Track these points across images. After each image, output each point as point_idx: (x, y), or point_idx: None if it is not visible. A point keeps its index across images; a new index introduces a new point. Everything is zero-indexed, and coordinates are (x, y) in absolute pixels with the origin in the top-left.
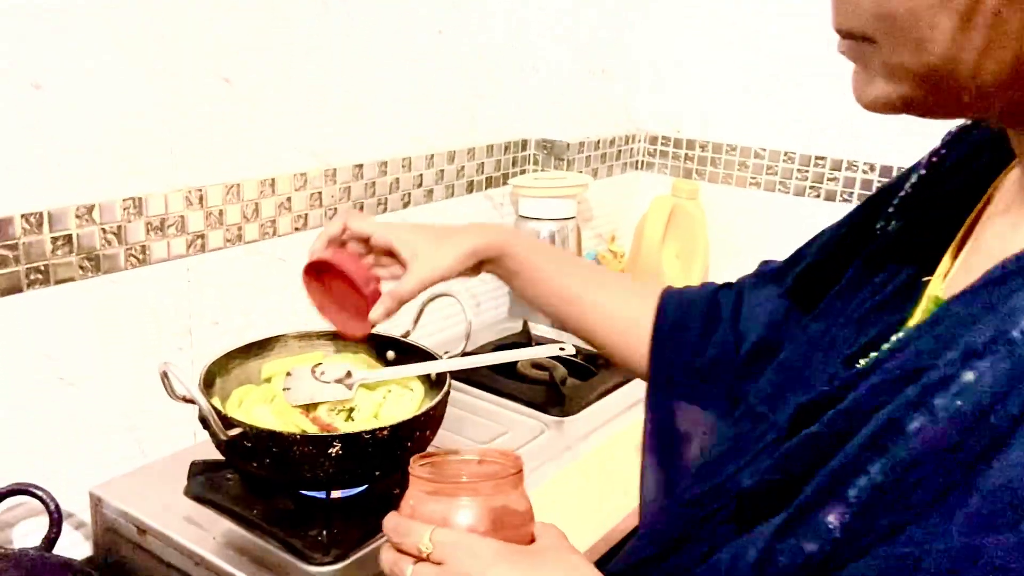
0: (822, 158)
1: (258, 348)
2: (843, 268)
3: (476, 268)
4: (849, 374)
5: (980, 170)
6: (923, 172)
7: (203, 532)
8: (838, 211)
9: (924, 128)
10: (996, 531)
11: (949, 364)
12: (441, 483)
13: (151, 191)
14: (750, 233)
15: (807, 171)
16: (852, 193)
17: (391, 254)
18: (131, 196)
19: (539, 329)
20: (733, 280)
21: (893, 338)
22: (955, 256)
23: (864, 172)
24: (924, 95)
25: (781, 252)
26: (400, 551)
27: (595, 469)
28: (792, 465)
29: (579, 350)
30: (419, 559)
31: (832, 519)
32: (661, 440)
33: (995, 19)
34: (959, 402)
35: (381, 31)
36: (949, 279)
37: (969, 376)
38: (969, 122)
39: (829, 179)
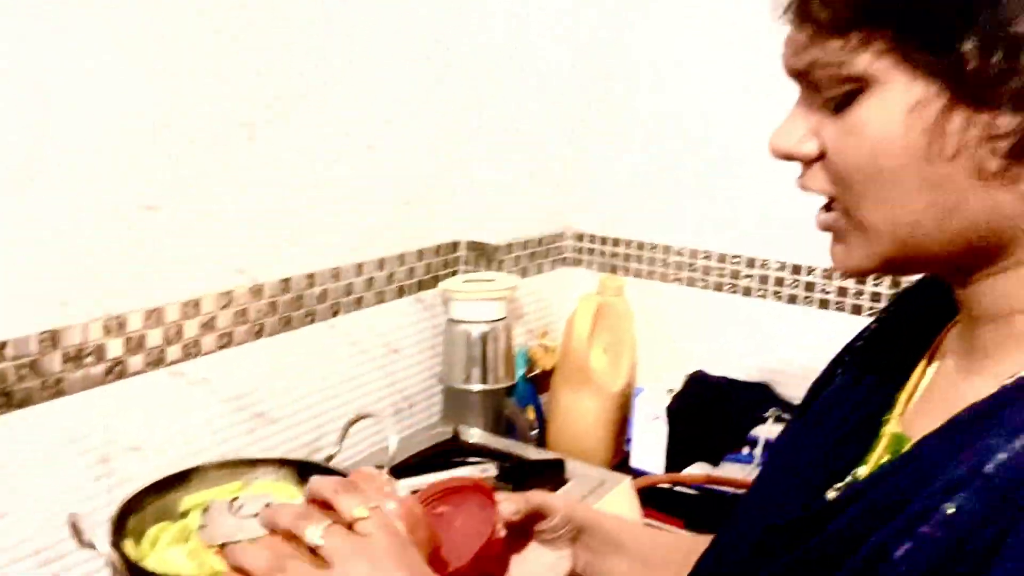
0: (737, 256)
1: (175, 481)
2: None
3: (573, 548)
4: (826, 503)
5: (926, 323)
6: (874, 326)
7: None
8: (754, 305)
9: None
10: None
11: (930, 497)
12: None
13: (69, 323)
14: (674, 327)
15: (724, 268)
16: (765, 289)
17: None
18: (47, 329)
19: (472, 435)
20: None
21: (863, 470)
22: (908, 398)
23: (776, 269)
24: (891, 253)
25: (704, 345)
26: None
27: None
28: None
29: (506, 462)
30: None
31: None
32: None
33: (960, 192)
34: (942, 532)
35: (309, 151)
36: (906, 419)
37: (950, 508)
38: (916, 280)
39: (745, 275)
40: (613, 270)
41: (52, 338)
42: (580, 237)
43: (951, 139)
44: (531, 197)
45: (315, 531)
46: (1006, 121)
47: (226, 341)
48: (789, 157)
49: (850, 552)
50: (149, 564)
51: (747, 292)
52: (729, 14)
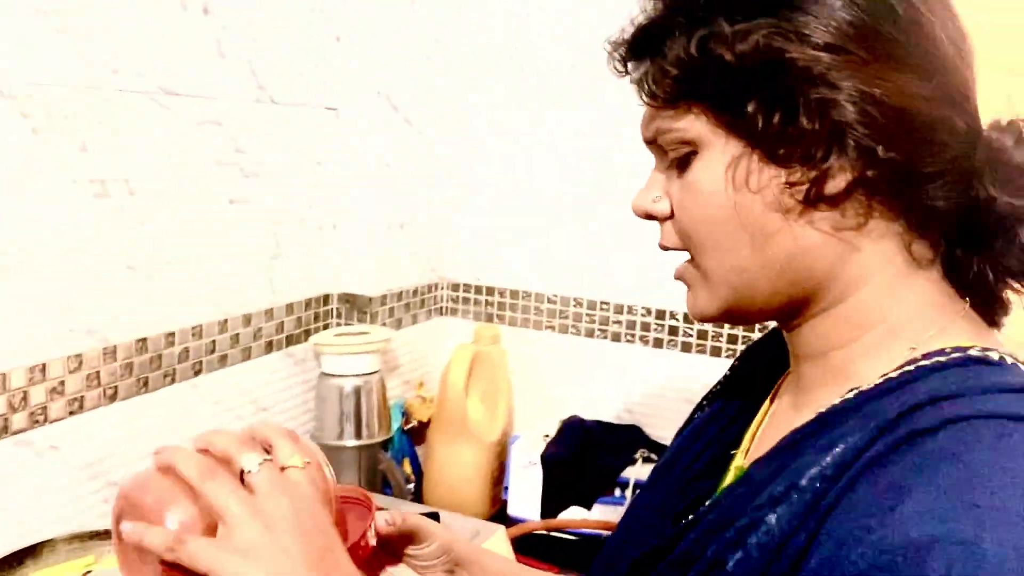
0: (606, 303)
1: (23, 556)
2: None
3: (450, 570)
4: (676, 529)
5: (770, 370)
6: (728, 374)
7: None
8: (623, 350)
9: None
10: None
11: (755, 510)
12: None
13: None
14: (549, 373)
15: (594, 314)
16: (634, 335)
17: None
18: None
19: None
20: None
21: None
22: (752, 436)
23: (643, 315)
24: (732, 299)
25: (578, 390)
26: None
27: None
28: None
29: None
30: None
31: None
32: None
33: (775, 238)
34: (766, 539)
35: (165, 206)
36: (750, 454)
37: (772, 518)
38: (764, 333)
39: (614, 321)
40: (489, 319)
41: None
42: (456, 287)
43: (760, 190)
44: (404, 249)
45: (253, 459)
46: (799, 174)
47: (77, 407)
48: (648, 216)
49: (692, 568)
50: None
51: (616, 338)
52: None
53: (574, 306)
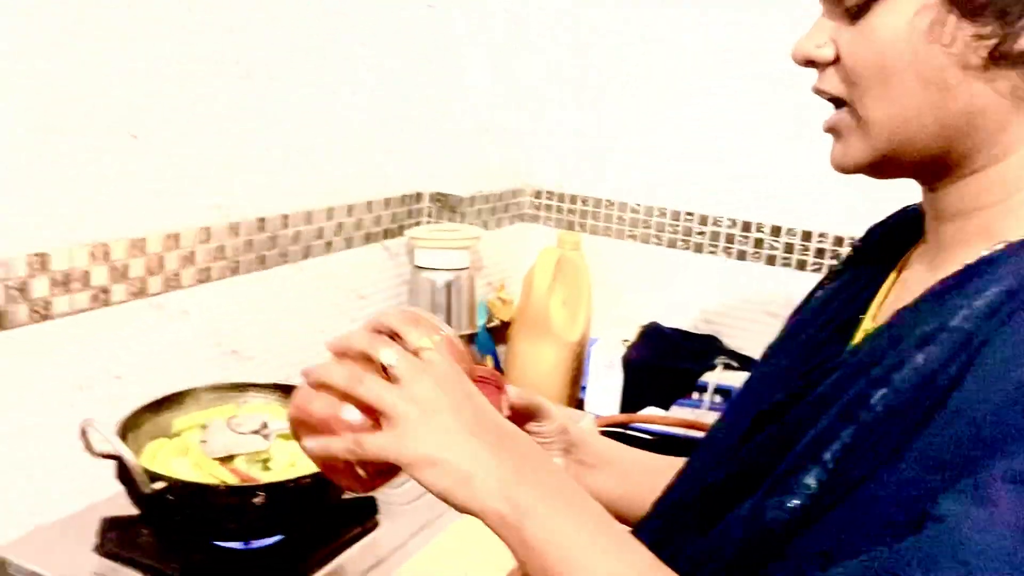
0: (690, 213)
1: (169, 402)
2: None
3: (565, 457)
4: (809, 378)
5: (894, 247)
6: (850, 253)
7: None
8: (705, 261)
9: (776, 191)
10: (938, 470)
11: (904, 351)
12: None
13: (55, 246)
14: (629, 281)
15: (677, 225)
16: (717, 246)
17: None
18: (36, 252)
19: None
20: None
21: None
22: (881, 302)
23: (728, 227)
24: (884, 149)
25: (657, 298)
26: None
27: None
28: (758, 456)
29: None
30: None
31: (810, 480)
32: None
33: (949, 90)
34: (914, 375)
35: (281, 93)
36: (879, 318)
37: (920, 358)
38: (878, 222)
39: (697, 232)
40: (570, 226)
41: (40, 260)
42: (538, 194)
43: (945, 41)
44: (491, 152)
45: (389, 353)
46: (989, 29)
47: (204, 276)
48: (808, 60)
49: (829, 407)
50: (160, 471)
51: (699, 248)
52: None
53: (657, 216)
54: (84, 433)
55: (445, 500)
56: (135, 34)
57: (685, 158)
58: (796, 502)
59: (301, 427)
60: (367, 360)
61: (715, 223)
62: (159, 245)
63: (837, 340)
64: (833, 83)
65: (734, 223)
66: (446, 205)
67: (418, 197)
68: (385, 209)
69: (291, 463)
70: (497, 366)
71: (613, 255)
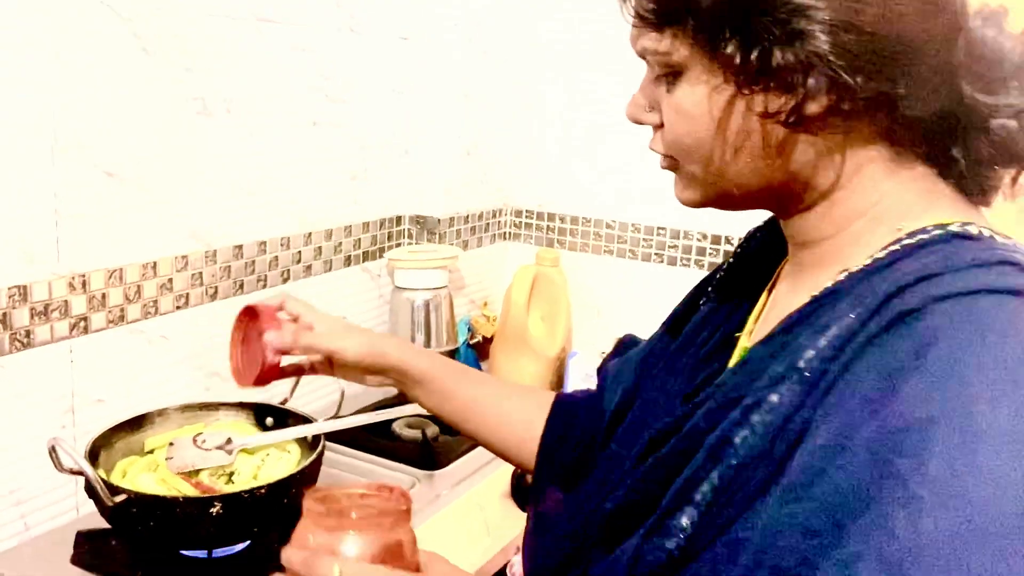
0: (663, 228)
1: (141, 422)
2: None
3: (373, 373)
4: (686, 407)
5: (773, 254)
6: (731, 261)
7: None
8: (678, 274)
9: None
10: (798, 501)
11: (758, 391)
12: (340, 519)
13: (36, 278)
14: (606, 295)
15: (651, 239)
16: (689, 259)
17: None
18: (16, 284)
19: None
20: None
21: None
22: (756, 318)
23: (698, 240)
24: (714, 195)
25: (633, 311)
26: None
27: (464, 515)
28: (647, 485)
29: None
30: None
31: (684, 520)
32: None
33: (756, 153)
34: (769, 417)
35: (258, 125)
36: (753, 334)
37: (774, 398)
38: (759, 225)
39: (670, 247)
40: (549, 244)
41: (21, 292)
42: (519, 213)
43: (741, 116)
44: (471, 175)
45: None
46: (781, 101)
47: (183, 302)
48: (640, 123)
49: (699, 445)
50: (125, 486)
51: (672, 262)
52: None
53: (632, 231)
54: (53, 451)
55: None
56: (102, 80)
57: (657, 175)
58: (672, 544)
59: None
60: None
61: (687, 236)
62: (137, 274)
63: (717, 358)
64: (660, 144)
65: (704, 236)
66: (425, 227)
67: (398, 220)
68: (365, 233)
69: (253, 476)
70: None
71: (591, 271)
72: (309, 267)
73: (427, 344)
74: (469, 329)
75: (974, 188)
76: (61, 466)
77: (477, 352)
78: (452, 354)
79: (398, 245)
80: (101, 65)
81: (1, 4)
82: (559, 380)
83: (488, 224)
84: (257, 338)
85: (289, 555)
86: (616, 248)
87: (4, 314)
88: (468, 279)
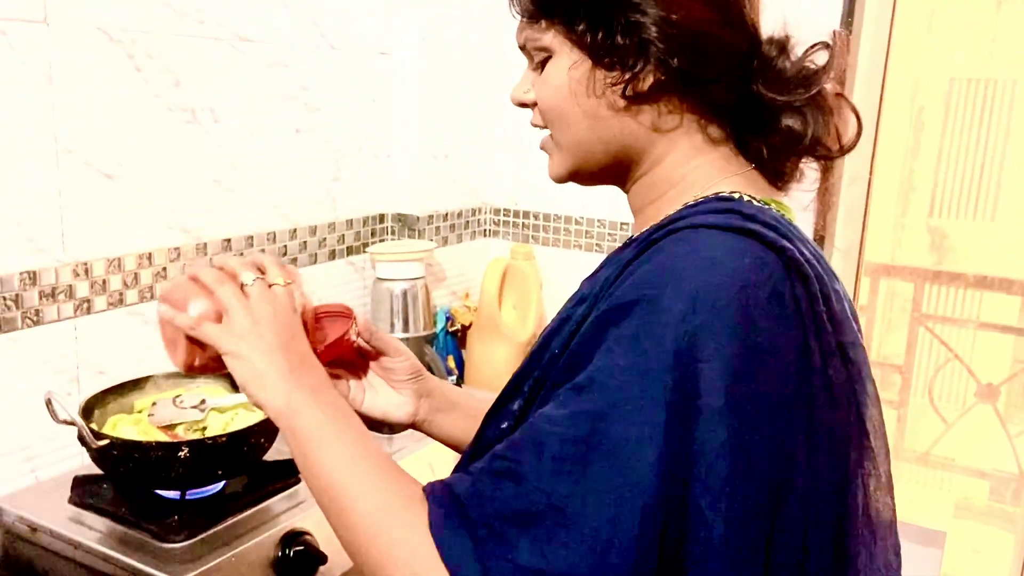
0: (626, 223)
1: (132, 385)
2: None
3: (417, 390)
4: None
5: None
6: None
7: (82, 527)
8: None
9: None
10: (563, 372)
11: (571, 308)
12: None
13: (44, 265)
14: (575, 286)
15: (616, 234)
16: None
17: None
18: (26, 269)
19: None
20: None
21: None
22: None
23: None
24: (574, 168)
25: None
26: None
27: (415, 473)
28: (505, 392)
29: None
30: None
31: (515, 406)
32: None
33: (606, 121)
34: (571, 326)
35: (243, 132)
36: None
37: (578, 312)
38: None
39: None
40: (525, 240)
41: (31, 277)
42: (497, 211)
43: (592, 87)
44: (449, 176)
45: (250, 276)
46: (616, 75)
47: None
48: (521, 104)
49: (535, 358)
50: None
51: None
52: None
53: (598, 227)
54: (49, 403)
55: (243, 390)
56: (100, 94)
57: None
58: (505, 424)
59: (163, 301)
60: (233, 277)
61: None
62: (134, 263)
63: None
64: (537, 119)
65: None
66: (406, 224)
67: (382, 218)
68: (349, 229)
69: (223, 430)
70: (459, 365)
71: (562, 264)
72: (295, 259)
73: (405, 329)
74: (448, 318)
75: (775, 175)
76: (56, 417)
77: (456, 339)
78: (430, 339)
79: (381, 241)
80: (97, 79)
81: (7, 32)
82: None
83: (468, 222)
84: (332, 327)
85: (199, 270)
86: (584, 243)
87: (16, 295)
88: (449, 272)
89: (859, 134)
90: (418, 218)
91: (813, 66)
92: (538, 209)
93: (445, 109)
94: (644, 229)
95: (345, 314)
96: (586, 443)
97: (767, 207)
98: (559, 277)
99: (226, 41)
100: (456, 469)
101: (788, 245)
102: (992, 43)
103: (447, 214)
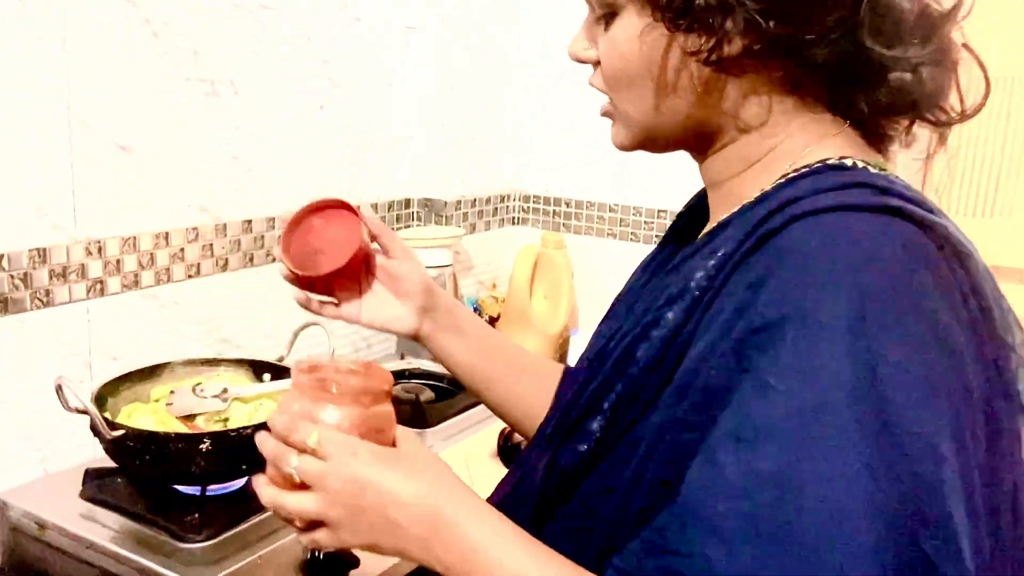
0: (663, 211)
1: (148, 373)
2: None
3: (426, 304)
4: (611, 332)
5: (696, 224)
6: (664, 236)
7: (95, 524)
8: None
9: None
10: (680, 401)
11: (657, 309)
12: (323, 390)
13: (55, 242)
14: (610, 276)
15: (652, 223)
16: None
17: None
18: (36, 247)
19: (418, 363)
20: None
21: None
22: None
23: None
24: (643, 136)
25: None
26: (287, 443)
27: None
28: (570, 406)
29: (442, 382)
30: (303, 452)
31: (595, 425)
32: None
33: (681, 91)
34: (664, 331)
35: (266, 107)
36: None
37: (669, 314)
38: (688, 202)
39: None
40: (556, 228)
41: (41, 254)
42: (527, 198)
43: (668, 53)
44: (476, 160)
45: (290, 461)
46: (701, 41)
47: (195, 271)
48: (580, 60)
49: (608, 360)
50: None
51: None
52: None
53: (633, 215)
54: (59, 390)
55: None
56: (115, 60)
57: (656, 160)
58: (583, 447)
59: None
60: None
61: None
62: (150, 243)
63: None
64: (598, 81)
65: None
66: (432, 209)
67: (407, 203)
68: (374, 214)
69: (247, 422)
70: None
71: (595, 253)
72: None
73: None
74: (476, 308)
75: (874, 135)
76: (67, 404)
77: None
78: None
79: (407, 226)
80: (113, 46)
81: None
82: (562, 357)
83: (496, 208)
84: (337, 226)
85: (273, 419)
86: (619, 231)
87: (25, 274)
88: (476, 260)
89: (986, 96)
90: (445, 203)
91: (937, 9)
92: (570, 196)
93: (472, 87)
94: (731, 207)
95: (348, 209)
96: (777, 514)
97: (892, 176)
98: (592, 266)
99: (247, 8)
100: (520, 469)
101: (939, 220)
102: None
103: (475, 200)
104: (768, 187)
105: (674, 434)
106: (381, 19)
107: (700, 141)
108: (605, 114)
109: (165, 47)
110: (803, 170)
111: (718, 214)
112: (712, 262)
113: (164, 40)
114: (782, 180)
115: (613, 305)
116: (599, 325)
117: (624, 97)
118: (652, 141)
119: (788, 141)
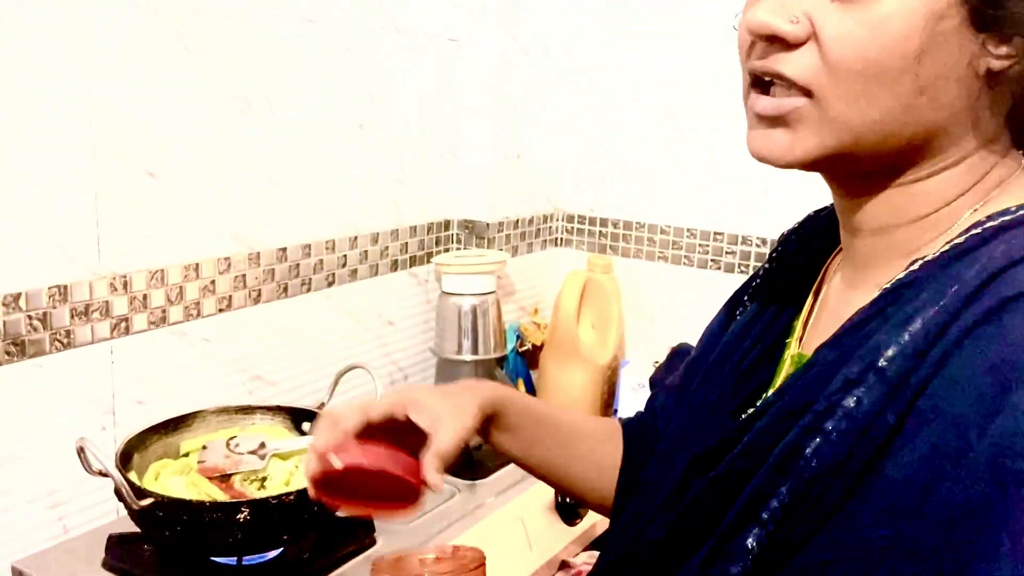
0: (720, 233)
1: (177, 424)
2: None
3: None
4: (740, 421)
5: (813, 255)
6: (768, 265)
7: None
8: (737, 281)
9: (806, 207)
10: (900, 519)
11: (831, 395)
12: None
13: (77, 279)
14: (661, 303)
15: (707, 245)
16: (748, 264)
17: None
18: (57, 284)
19: None
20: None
21: (769, 392)
22: (805, 322)
23: (756, 245)
24: (835, 146)
25: (688, 320)
26: None
27: (506, 527)
28: (700, 508)
29: None
30: None
31: (751, 542)
32: None
33: (934, 101)
34: (846, 423)
35: (302, 125)
36: (805, 341)
37: (850, 401)
38: (792, 227)
39: (727, 252)
40: (602, 250)
41: (62, 292)
42: (570, 218)
43: (954, 52)
44: (520, 179)
45: None
46: (992, 46)
47: (226, 304)
48: (769, 34)
49: (763, 459)
50: (156, 489)
51: (730, 268)
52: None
53: (687, 236)
54: (81, 451)
55: None
56: (143, 78)
57: (713, 177)
58: (737, 568)
59: None
60: None
61: (745, 242)
62: (179, 276)
63: (764, 368)
64: (801, 67)
65: (764, 242)
66: (474, 232)
67: (447, 225)
68: (412, 237)
69: (286, 482)
70: (529, 390)
71: (645, 277)
72: (355, 271)
73: (474, 350)
74: (518, 336)
75: None
76: (90, 467)
77: (527, 360)
78: (500, 361)
79: (446, 250)
80: (141, 63)
81: (41, 2)
82: (610, 389)
83: (539, 229)
84: (375, 480)
85: None
86: (671, 254)
87: (45, 314)
88: (518, 285)
89: None
90: (488, 225)
91: None
92: (617, 216)
93: (519, 103)
94: (898, 258)
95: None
96: None
97: None
98: (640, 292)
99: (287, 20)
100: None
101: None
102: None
103: (518, 221)
104: (958, 240)
105: (895, 562)
106: (423, 31)
107: (897, 168)
108: (781, 113)
109: (197, 62)
110: (1002, 220)
111: (874, 266)
112: (906, 335)
113: (196, 55)
114: (976, 230)
115: (700, 353)
116: (683, 380)
117: (853, 95)
118: (844, 159)
119: (985, 180)
